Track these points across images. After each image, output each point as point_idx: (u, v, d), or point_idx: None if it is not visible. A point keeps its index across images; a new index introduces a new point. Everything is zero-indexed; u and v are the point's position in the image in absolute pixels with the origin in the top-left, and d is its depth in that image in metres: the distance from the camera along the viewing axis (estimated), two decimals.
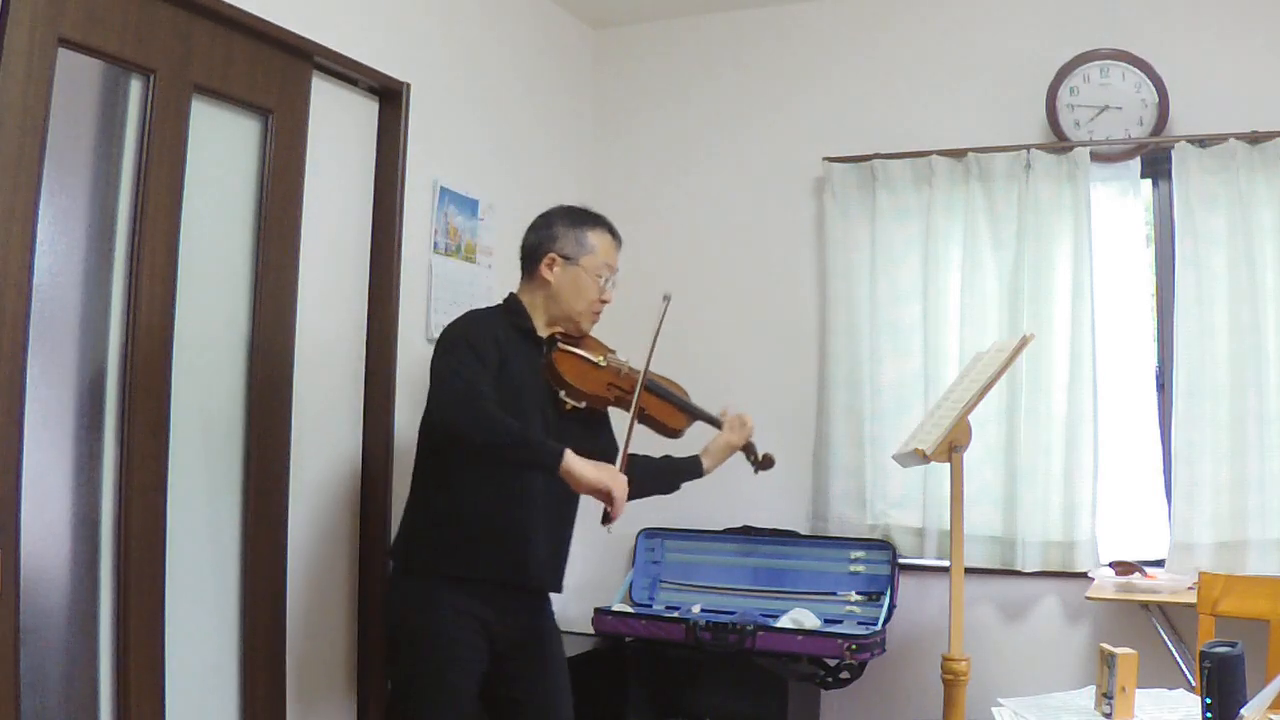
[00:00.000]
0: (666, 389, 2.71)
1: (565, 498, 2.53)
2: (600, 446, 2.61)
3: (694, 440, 2.80)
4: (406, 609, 2.50)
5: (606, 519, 2.34)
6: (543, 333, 2.60)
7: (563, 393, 2.54)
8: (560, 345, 2.58)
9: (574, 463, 2.29)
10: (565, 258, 2.58)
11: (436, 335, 3.26)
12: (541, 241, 2.61)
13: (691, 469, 2.79)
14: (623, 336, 2.81)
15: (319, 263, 2.93)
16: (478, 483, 2.47)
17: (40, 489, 2.22)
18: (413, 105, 3.20)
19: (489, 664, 2.51)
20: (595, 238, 2.61)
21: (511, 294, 2.65)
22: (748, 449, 2.83)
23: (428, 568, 2.49)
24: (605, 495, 2.31)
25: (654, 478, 2.73)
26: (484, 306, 2.66)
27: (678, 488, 2.81)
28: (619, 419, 2.64)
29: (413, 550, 2.53)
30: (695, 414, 2.74)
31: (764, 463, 2.85)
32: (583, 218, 2.64)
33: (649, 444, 2.72)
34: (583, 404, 2.56)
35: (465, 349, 2.42)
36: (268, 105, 2.76)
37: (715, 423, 2.79)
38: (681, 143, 4.13)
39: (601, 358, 2.62)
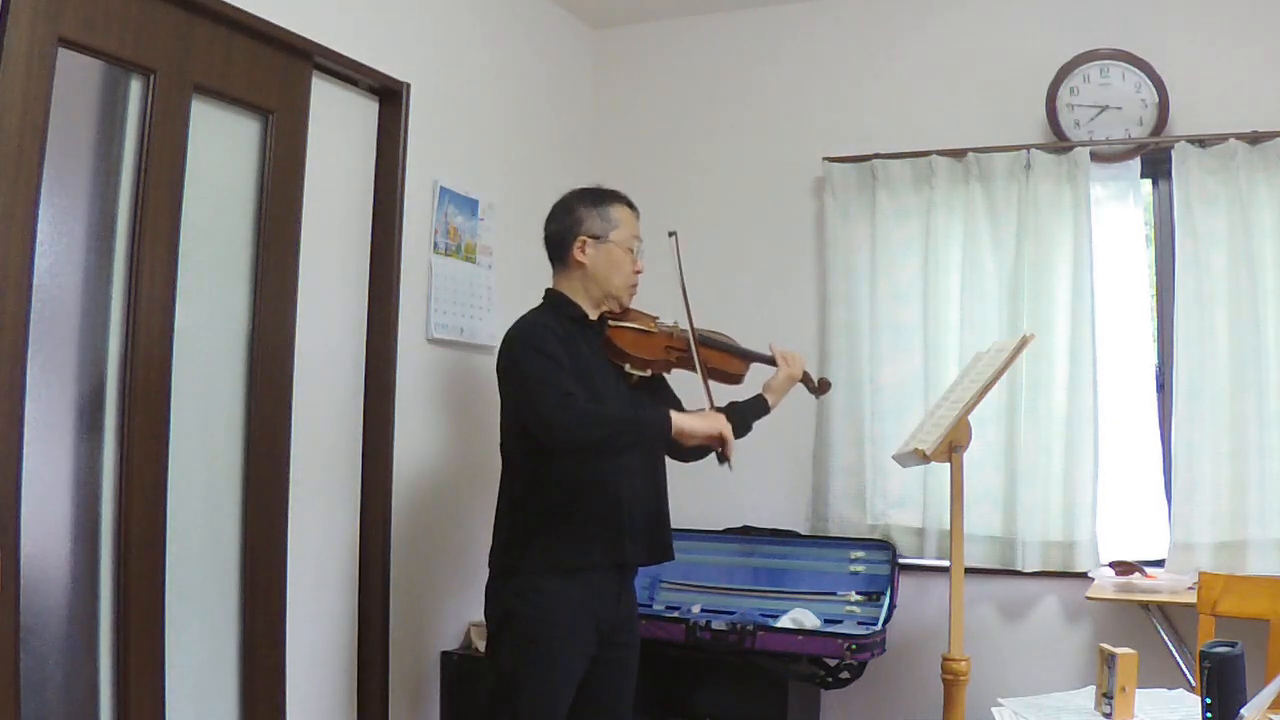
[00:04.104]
0: (718, 339, 2.83)
1: (654, 469, 2.68)
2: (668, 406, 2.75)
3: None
4: (517, 600, 2.51)
5: (723, 459, 2.50)
6: (593, 315, 2.67)
7: (627, 366, 2.66)
8: (611, 324, 2.67)
9: (682, 421, 2.46)
10: (594, 237, 2.64)
11: (436, 335, 3.29)
12: (569, 227, 2.66)
13: (759, 408, 2.87)
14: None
15: (319, 263, 2.93)
16: (571, 475, 2.52)
17: (40, 489, 2.22)
18: (413, 105, 3.20)
19: (592, 655, 2.56)
20: (617, 212, 2.67)
21: (549, 289, 2.71)
22: (805, 379, 2.96)
23: (536, 565, 2.51)
24: (718, 439, 2.48)
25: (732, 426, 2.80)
26: (529, 311, 2.68)
27: (750, 429, 2.86)
28: (677, 381, 2.81)
29: (517, 552, 2.55)
30: (751, 356, 2.88)
31: (822, 387, 3.03)
32: (601, 196, 2.70)
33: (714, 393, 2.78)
34: (648, 372, 2.70)
35: (537, 356, 2.47)
36: (268, 105, 2.76)
37: (771, 361, 2.91)
38: (681, 143, 4.13)
39: (651, 325, 2.73)
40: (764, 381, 2.91)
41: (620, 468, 2.57)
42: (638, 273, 2.70)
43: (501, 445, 2.64)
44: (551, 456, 2.51)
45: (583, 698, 2.58)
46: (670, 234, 2.71)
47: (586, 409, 2.44)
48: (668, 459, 2.81)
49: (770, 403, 2.89)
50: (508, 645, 2.53)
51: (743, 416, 2.84)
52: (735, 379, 2.85)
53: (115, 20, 2.35)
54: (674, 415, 2.44)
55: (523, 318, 2.63)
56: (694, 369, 2.68)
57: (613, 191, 2.73)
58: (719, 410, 2.66)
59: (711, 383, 2.75)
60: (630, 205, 2.72)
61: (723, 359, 2.81)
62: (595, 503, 2.54)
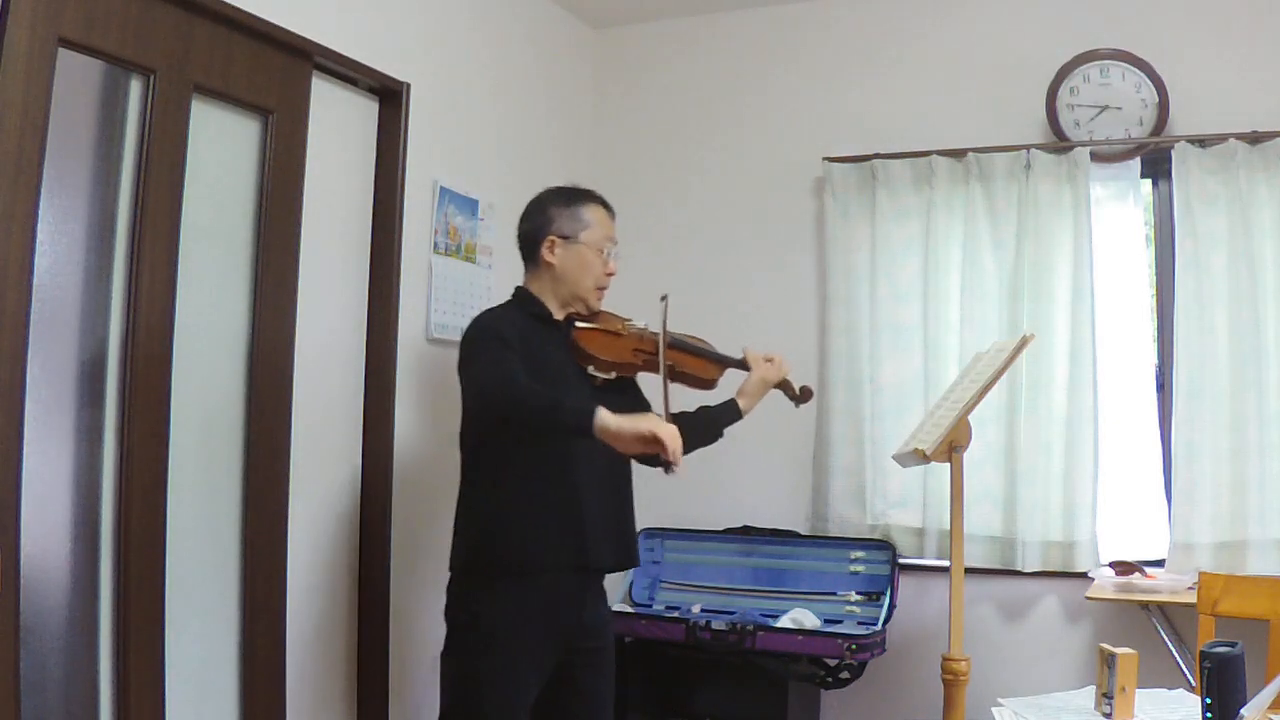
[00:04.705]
0: (692, 343, 2.77)
1: (615, 472, 2.59)
2: (632, 409, 2.60)
3: (727, 392, 2.86)
4: (473, 604, 2.46)
5: (668, 468, 2.28)
6: (558, 316, 2.61)
7: (591, 368, 2.60)
8: (577, 325, 2.61)
9: (609, 420, 2.26)
10: (564, 237, 2.59)
11: (436, 335, 3.29)
12: (539, 226, 2.61)
13: (730, 413, 2.79)
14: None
15: (319, 263, 2.93)
16: (525, 475, 2.47)
17: (40, 489, 2.22)
18: (413, 105, 3.20)
19: (557, 660, 2.49)
20: (590, 212, 2.62)
21: (518, 287, 2.66)
22: (784, 386, 2.85)
23: (492, 567, 2.46)
24: (654, 442, 2.25)
25: (696, 431, 2.71)
26: (494, 307, 2.65)
27: (721, 434, 2.81)
28: (648, 385, 2.73)
29: (473, 552, 2.50)
30: (726, 362, 2.81)
31: (803, 396, 2.90)
32: (574, 195, 2.64)
33: (686, 399, 2.75)
34: (612, 374, 2.63)
35: (489, 339, 2.45)
36: (268, 105, 2.76)
37: (743, 366, 2.82)
38: (681, 143, 4.13)
39: (621, 327, 2.66)
40: (739, 386, 2.84)
41: (582, 468, 2.50)
42: (609, 275, 2.64)
43: (461, 442, 2.58)
44: (509, 453, 2.46)
45: (560, 701, 2.52)
46: (662, 298, 2.65)
47: (513, 380, 2.35)
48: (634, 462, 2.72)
49: (742, 406, 2.80)
50: (466, 649, 2.47)
51: (714, 422, 2.79)
52: (707, 384, 2.78)
53: (115, 20, 2.35)
54: (601, 413, 2.26)
55: (482, 313, 2.59)
56: (658, 372, 2.60)
57: (587, 191, 2.67)
58: (675, 416, 2.57)
59: (682, 388, 2.69)
60: (605, 205, 2.67)
61: (695, 363, 2.75)
62: (555, 504, 2.47)
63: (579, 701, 2.57)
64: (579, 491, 2.50)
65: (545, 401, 2.34)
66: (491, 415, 2.41)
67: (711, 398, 2.83)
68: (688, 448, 2.66)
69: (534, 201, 2.67)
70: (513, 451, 2.48)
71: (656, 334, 2.64)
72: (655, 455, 2.29)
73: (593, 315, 2.65)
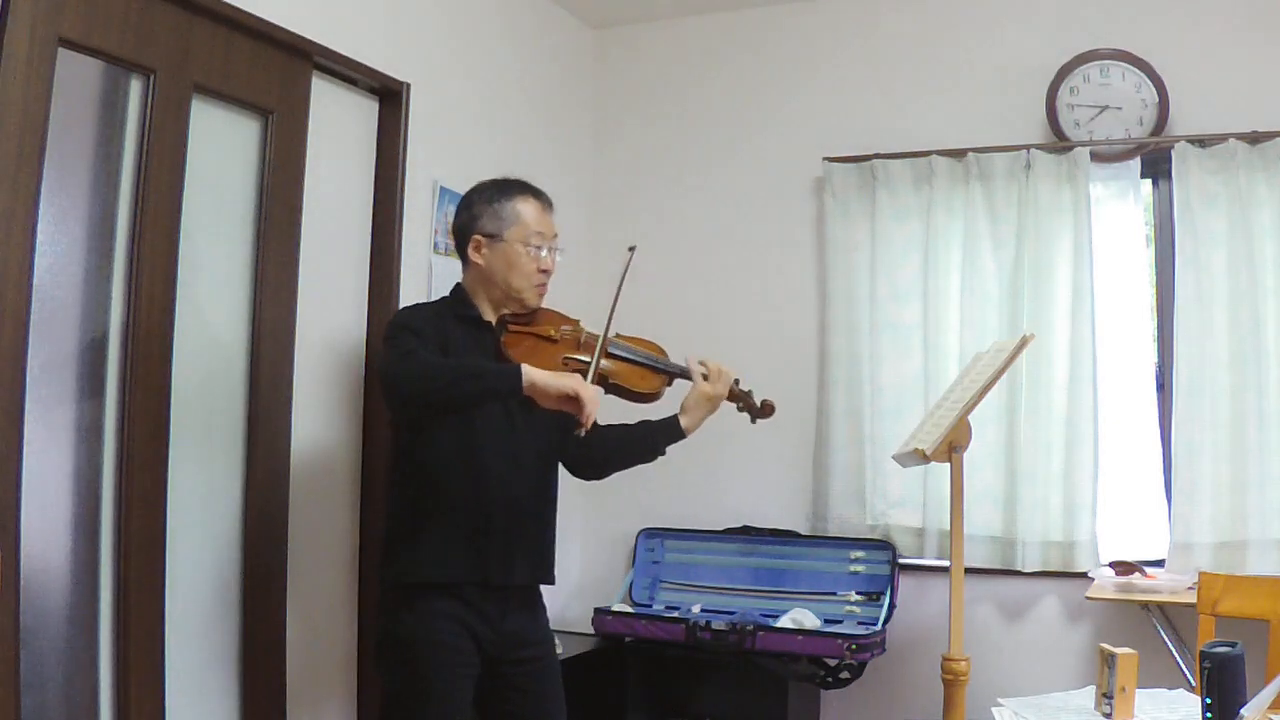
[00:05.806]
0: (634, 354, 2.51)
1: (542, 485, 2.50)
2: (566, 423, 2.37)
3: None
4: (392, 618, 2.39)
5: (579, 429, 2.20)
6: (490, 317, 2.47)
7: None
8: (509, 328, 2.44)
9: (534, 375, 2.17)
10: (489, 236, 2.43)
11: None
12: (465, 224, 2.47)
13: (669, 429, 2.55)
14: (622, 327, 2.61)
15: (319, 262, 2.93)
16: (435, 491, 2.37)
17: (40, 489, 2.22)
18: (413, 105, 3.20)
19: (482, 670, 2.40)
20: (518, 206, 2.45)
21: (456, 284, 2.53)
22: (737, 398, 2.59)
23: (404, 579, 2.37)
24: (573, 401, 2.18)
25: (628, 445, 2.58)
26: (421, 303, 2.56)
27: (662, 451, 2.58)
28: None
29: (392, 562, 2.42)
30: (674, 372, 2.54)
31: (763, 410, 2.61)
32: (502, 189, 2.48)
33: (630, 414, 2.56)
34: None
35: (402, 331, 2.33)
36: (268, 105, 2.76)
37: (689, 376, 2.55)
38: (681, 143, 4.13)
39: (554, 330, 2.47)
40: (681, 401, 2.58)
41: (496, 477, 2.38)
42: (544, 272, 2.45)
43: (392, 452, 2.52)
44: (423, 467, 2.37)
45: (507, 711, 2.45)
46: (630, 248, 2.48)
47: (426, 359, 2.24)
48: (570, 475, 2.64)
49: (684, 424, 2.53)
50: (386, 666, 2.39)
51: (652, 438, 2.57)
52: (646, 398, 2.49)
53: (115, 20, 2.35)
54: (525, 368, 2.17)
55: (405, 308, 2.51)
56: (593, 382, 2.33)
57: (516, 183, 2.49)
58: (606, 427, 2.44)
59: (619, 400, 2.48)
60: (537, 196, 2.48)
61: (635, 375, 2.48)
62: (461, 514, 2.36)
63: (525, 710, 2.46)
64: (490, 506, 2.38)
65: (463, 372, 2.23)
66: (411, 399, 2.25)
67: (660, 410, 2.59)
68: (621, 464, 2.62)
69: (464, 195, 2.52)
70: (427, 466, 2.38)
71: (596, 336, 2.41)
72: (571, 415, 2.21)
73: (530, 315, 2.47)
